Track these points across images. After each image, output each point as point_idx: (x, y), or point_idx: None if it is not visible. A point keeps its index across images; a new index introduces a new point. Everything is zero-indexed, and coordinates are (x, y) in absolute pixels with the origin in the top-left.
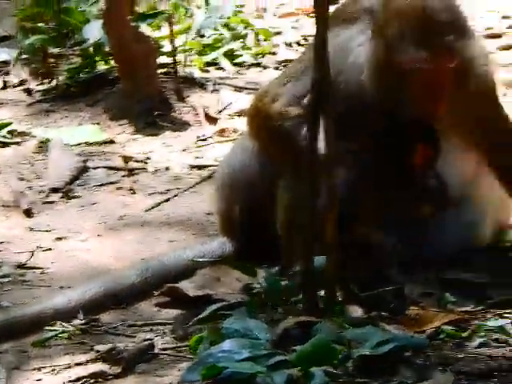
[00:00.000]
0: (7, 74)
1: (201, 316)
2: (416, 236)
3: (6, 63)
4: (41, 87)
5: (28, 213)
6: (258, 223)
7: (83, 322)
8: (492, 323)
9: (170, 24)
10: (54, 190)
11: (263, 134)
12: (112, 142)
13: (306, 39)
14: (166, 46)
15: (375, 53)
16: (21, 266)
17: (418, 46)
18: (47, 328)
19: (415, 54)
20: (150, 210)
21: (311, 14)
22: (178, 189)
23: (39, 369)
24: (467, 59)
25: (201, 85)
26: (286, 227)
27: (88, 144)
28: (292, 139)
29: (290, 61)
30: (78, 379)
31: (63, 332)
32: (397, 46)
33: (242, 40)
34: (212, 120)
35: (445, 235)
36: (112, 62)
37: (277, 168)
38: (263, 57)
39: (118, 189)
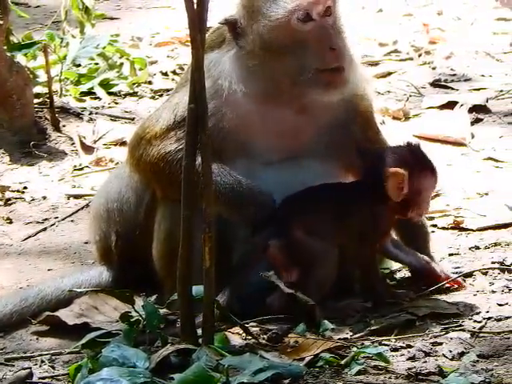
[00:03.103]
0: None
1: (79, 344)
2: None
3: None
4: None
5: None
6: (135, 252)
7: None
8: (371, 350)
9: (46, 54)
10: None
11: (143, 165)
12: None
13: (181, 68)
14: (42, 76)
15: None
16: None
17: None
18: None
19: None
20: (27, 239)
21: (187, 43)
22: (55, 218)
23: None
24: (351, 78)
25: (77, 114)
26: (163, 256)
27: None
28: (171, 169)
29: (166, 90)
30: None
31: None
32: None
33: (117, 69)
34: (88, 149)
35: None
36: None
37: (154, 197)
38: (139, 86)
39: None
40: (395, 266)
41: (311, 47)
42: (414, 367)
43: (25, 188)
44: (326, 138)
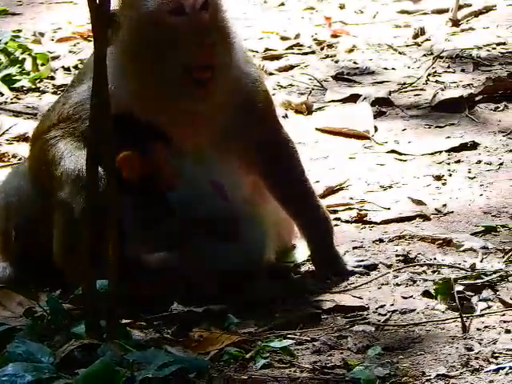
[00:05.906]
0: None
1: None
2: (196, 257)
3: None
4: None
5: None
6: (36, 246)
7: None
8: (275, 344)
9: None
10: None
11: (37, 162)
12: None
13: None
14: None
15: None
16: None
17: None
18: None
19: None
20: None
21: (89, 38)
22: None
23: None
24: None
25: None
26: (64, 251)
27: None
28: (68, 163)
29: None
30: None
31: None
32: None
33: (19, 65)
34: None
35: (226, 256)
36: None
37: (53, 192)
38: (41, 81)
39: None
40: (300, 259)
41: (181, 43)
42: (319, 361)
43: None
44: (220, 134)
